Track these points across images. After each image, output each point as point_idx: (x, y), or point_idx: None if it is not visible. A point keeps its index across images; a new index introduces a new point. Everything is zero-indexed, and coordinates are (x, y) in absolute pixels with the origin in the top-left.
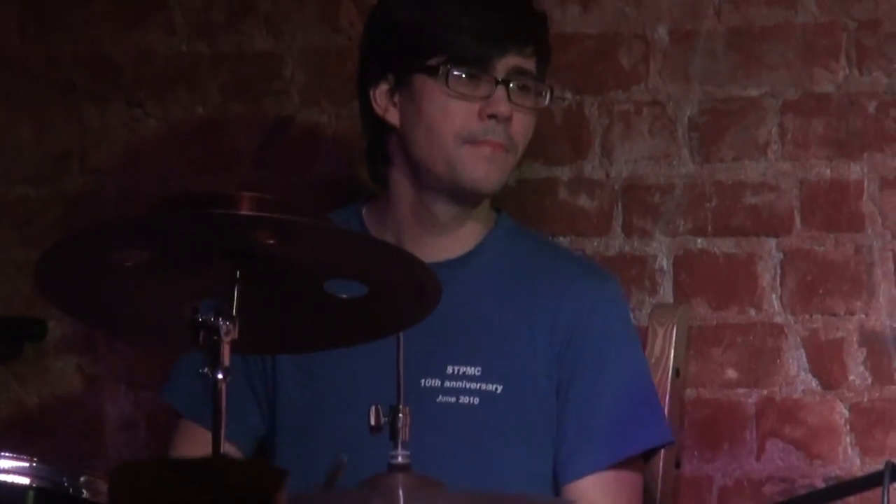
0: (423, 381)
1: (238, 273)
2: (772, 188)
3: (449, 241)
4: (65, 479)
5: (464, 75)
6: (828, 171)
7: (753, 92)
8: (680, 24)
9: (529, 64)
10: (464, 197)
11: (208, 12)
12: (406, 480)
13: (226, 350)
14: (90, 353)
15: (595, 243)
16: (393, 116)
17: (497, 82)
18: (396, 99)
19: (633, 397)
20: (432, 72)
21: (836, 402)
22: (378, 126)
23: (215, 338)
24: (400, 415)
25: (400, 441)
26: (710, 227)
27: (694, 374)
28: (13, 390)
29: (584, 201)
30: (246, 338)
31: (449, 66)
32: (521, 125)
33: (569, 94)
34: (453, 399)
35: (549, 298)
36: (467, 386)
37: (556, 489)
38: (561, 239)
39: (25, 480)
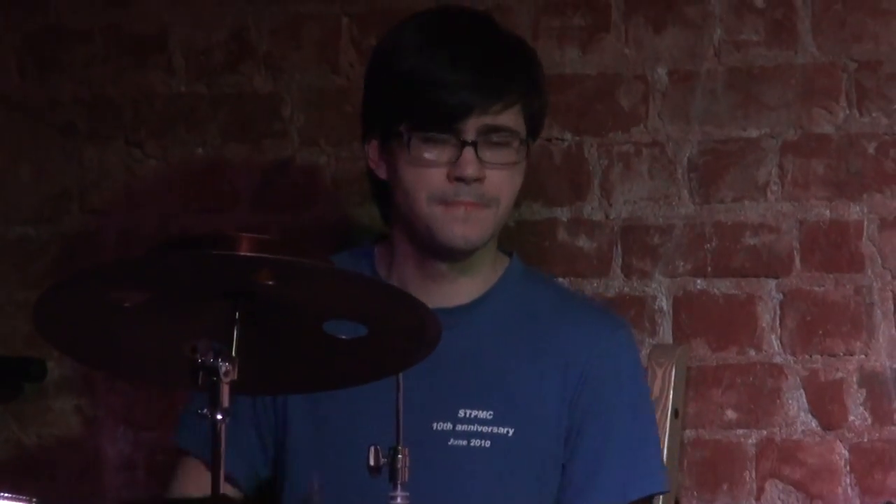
0: (434, 424)
1: (237, 314)
2: (771, 229)
3: (453, 289)
4: None
5: (425, 142)
6: (827, 212)
7: (753, 133)
8: (679, 65)
9: (503, 119)
10: (448, 255)
11: (208, 53)
12: None
13: (225, 391)
14: (89, 393)
15: (594, 284)
16: (383, 173)
17: (464, 144)
18: (385, 156)
19: (639, 444)
20: (399, 137)
21: (835, 443)
22: (375, 177)
23: (214, 379)
24: (399, 455)
25: (399, 482)
26: (709, 268)
27: (693, 414)
28: (12, 430)
29: (583, 242)
30: (245, 378)
31: (411, 134)
32: (498, 181)
33: (568, 135)
34: (465, 442)
35: (562, 343)
36: (479, 429)
37: None
38: (560, 280)
39: None
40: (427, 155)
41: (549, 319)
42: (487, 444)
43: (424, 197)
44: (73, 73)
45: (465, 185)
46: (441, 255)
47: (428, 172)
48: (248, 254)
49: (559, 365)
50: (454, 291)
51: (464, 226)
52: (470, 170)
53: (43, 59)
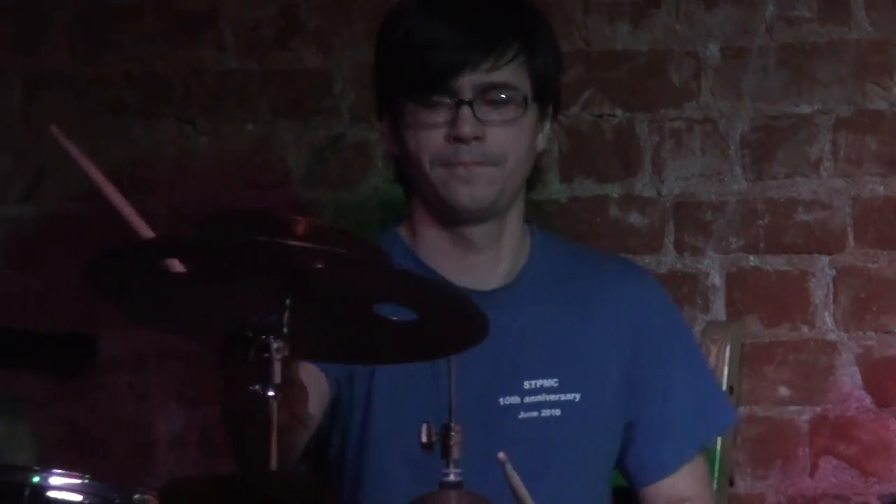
0: (501, 399)
1: (288, 292)
2: (824, 205)
3: (490, 264)
4: (116, 496)
5: (422, 105)
6: (881, 188)
7: (805, 108)
8: (731, 41)
9: (500, 76)
10: (463, 217)
11: (258, 30)
12: (458, 498)
13: (276, 367)
14: (141, 370)
15: (647, 260)
16: (394, 148)
17: (461, 103)
18: (393, 131)
19: (702, 385)
20: (402, 106)
21: (890, 420)
22: (391, 155)
23: (266, 355)
24: (452, 433)
25: (452, 459)
26: (762, 245)
27: (747, 391)
28: (65, 408)
29: (635, 218)
30: (296, 349)
31: (408, 99)
32: (502, 138)
33: (619, 112)
34: (535, 413)
35: (606, 299)
36: (547, 398)
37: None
38: None
39: (78, 497)
40: (425, 118)
41: (589, 279)
42: (557, 412)
43: (427, 160)
44: (124, 50)
45: (465, 146)
46: (458, 218)
47: (427, 135)
48: (301, 243)
49: (610, 322)
50: (491, 267)
51: (468, 185)
52: (466, 129)
53: (93, 37)
